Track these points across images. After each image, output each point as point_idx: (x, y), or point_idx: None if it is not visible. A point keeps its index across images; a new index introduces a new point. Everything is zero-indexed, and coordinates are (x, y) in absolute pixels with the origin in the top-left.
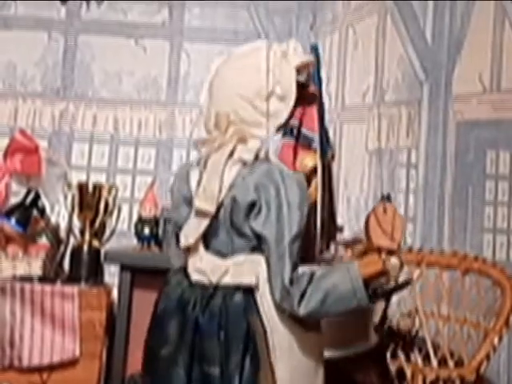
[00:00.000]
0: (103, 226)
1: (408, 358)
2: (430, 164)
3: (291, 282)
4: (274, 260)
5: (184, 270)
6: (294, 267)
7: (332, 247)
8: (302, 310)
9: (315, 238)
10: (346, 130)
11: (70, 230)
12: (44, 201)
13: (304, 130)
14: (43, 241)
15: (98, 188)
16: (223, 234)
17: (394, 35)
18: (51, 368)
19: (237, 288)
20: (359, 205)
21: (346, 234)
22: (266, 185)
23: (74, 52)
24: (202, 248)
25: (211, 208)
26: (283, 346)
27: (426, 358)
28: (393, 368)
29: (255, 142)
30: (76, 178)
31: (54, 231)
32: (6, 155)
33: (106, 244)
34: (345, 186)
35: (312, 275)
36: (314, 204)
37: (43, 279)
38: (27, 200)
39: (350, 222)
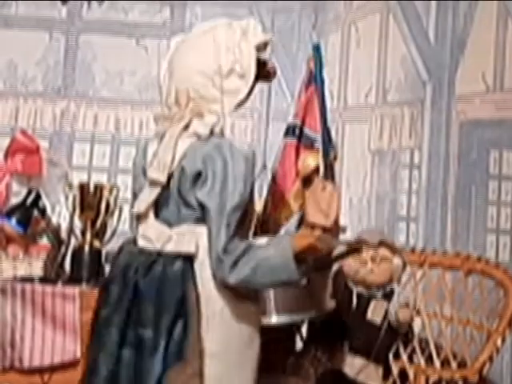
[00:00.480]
0: (104, 226)
1: (411, 359)
2: (433, 164)
3: (225, 250)
4: (213, 229)
5: (135, 238)
6: (231, 237)
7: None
8: (232, 279)
9: None
10: (348, 129)
11: (71, 230)
12: (45, 201)
13: (306, 130)
14: (44, 241)
15: (99, 188)
16: (172, 203)
17: (397, 35)
18: (52, 369)
19: (177, 256)
20: (361, 205)
21: (348, 235)
22: (213, 157)
23: (75, 52)
24: (152, 216)
25: (162, 177)
26: (216, 315)
27: (429, 359)
28: (395, 368)
29: (211, 117)
30: (77, 178)
31: (55, 232)
32: (6, 155)
33: (108, 244)
34: (347, 187)
35: (248, 246)
36: None
37: (44, 280)
38: (28, 200)
39: (352, 222)
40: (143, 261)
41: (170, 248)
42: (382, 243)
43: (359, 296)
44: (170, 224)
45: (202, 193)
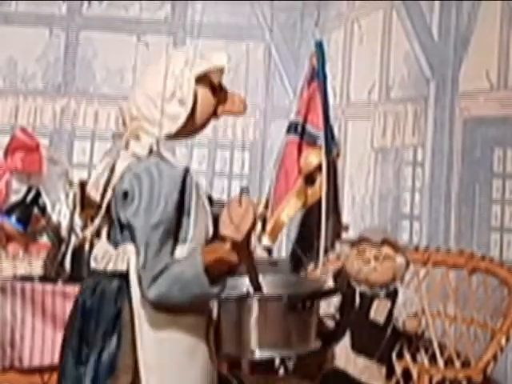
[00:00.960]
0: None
1: (414, 359)
2: (436, 162)
3: (144, 267)
4: (138, 247)
5: None
6: (153, 254)
7: (337, 246)
8: (151, 295)
9: (319, 236)
10: (351, 127)
11: (71, 228)
12: (45, 199)
13: (308, 127)
14: (44, 240)
15: None
16: (115, 224)
17: (400, 31)
18: (52, 369)
19: (114, 275)
20: (364, 203)
21: (351, 233)
22: (141, 177)
23: (75, 48)
24: (104, 238)
25: (97, 197)
26: (151, 330)
27: (433, 359)
28: (399, 368)
29: (148, 138)
30: (77, 175)
31: (55, 230)
32: (6, 153)
33: None
34: (350, 184)
35: (169, 263)
36: (319, 202)
37: (44, 279)
38: (28, 198)
39: (355, 220)
40: (91, 282)
41: (109, 267)
42: (384, 241)
43: (362, 295)
44: (116, 244)
45: (128, 212)
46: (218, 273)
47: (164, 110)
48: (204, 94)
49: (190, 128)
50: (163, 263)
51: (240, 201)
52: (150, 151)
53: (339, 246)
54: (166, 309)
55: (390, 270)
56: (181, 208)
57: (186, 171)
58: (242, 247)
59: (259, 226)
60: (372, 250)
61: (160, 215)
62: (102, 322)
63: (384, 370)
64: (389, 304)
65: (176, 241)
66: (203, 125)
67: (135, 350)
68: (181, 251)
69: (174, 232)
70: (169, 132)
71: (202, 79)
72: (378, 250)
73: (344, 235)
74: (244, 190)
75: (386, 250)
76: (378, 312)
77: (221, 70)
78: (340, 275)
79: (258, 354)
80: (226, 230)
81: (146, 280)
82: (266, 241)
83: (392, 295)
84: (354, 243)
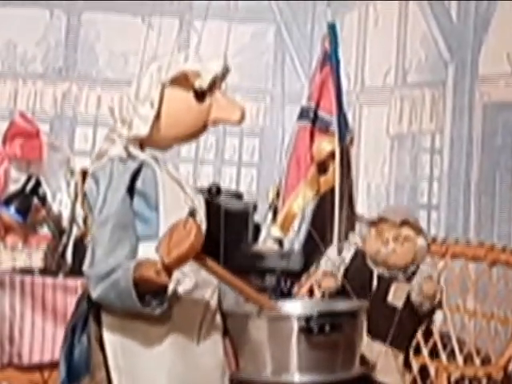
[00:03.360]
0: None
1: (432, 355)
2: (455, 149)
3: (91, 265)
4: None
5: None
6: (101, 252)
7: (357, 227)
8: (94, 295)
9: (332, 226)
10: (365, 112)
11: (72, 219)
12: (45, 188)
13: (321, 113)
14: (44, 231)
15: None
16: None
17: (417, 12)
18: (53, 366)
19: None
20: (380, 192)
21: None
22: (95, 175)
23: (77, 30)
24: None
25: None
26: (113, 334)
27: (451, 355)
28: (416, 365)
29: (122, 140)
30: (79, 163)
31: (56, 220)
32: (5, 140)
33: None
34: (365, 173)
35: (116, 266)
36: (332, 191)
37: (44, 272)
38: (27, 187)
39: (370, 210)
40: None
41: None
42: (404, 222)
43: (380, 277)
44: None
45: (88, 211)
46: (150, 287)
47: (138, 111)
48: (180, 97)
49: (168, 132)
50: (110, 266)
51: (186, 223)
52: (127, 152)
53: (357, 226)
54: (124, 311)
55: (409, 252)
56: (146, 203)
57: (141, 164)
58: (174, 269)
59: (269, 216)
60: (391, 231)
61: (107, 211)
62: (74, 316)
63: (401, 358)
64: (408, 287)
65: (146, 238)
66: (193, 130)
67: (103, 348)
68: (151, 248)
69: (132, 228)
70: (138, 133)
71: (181, 83)
72: (397, 230)
73: (361, 216)
74: (193, 213)
75: (406, 231)
76: (396, 296)
77: (208, 76)
78: (357, 256)
79: (298, 379)
80: (160, 248)
81: (91, 280)
82: (276, 232)
83: (411, 279)
84: (372, 223)
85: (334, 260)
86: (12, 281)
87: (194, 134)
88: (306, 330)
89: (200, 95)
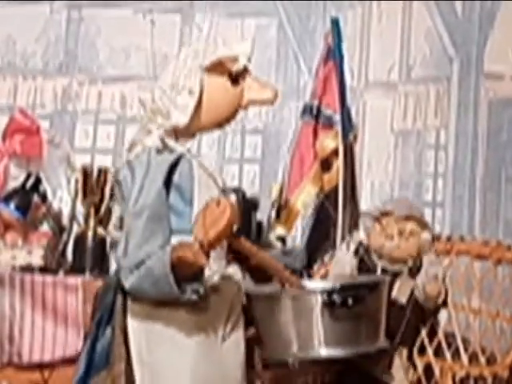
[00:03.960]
0: (109, 212)
1: (436, 354)
2: (461, 145)
3: (124, 255)
4: (122, 235)
5: None
6: (134, 242)
7: (361, 221)
8: (127, 285)
9: (335, 223)
10: (369, 108)
11: (73, 216)
12: (45, 185)
13: (324, 109)
14: (44, 228)
15: (103, 171)
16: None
17: (422, 7)
18: (53, 365)
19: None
20: (384, 190)
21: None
22: (131, 165)
23: (77, 25)
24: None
25: None
26: (139, 324)
27: (456, 354)
28: (420, 364)
29: (159, 131)
30: (80, 160)
31: (56, 218)
32: (4, 136)
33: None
34: (368, 170)
35: (149, 255)
36: (335, 188)
37: (44, 270)
38: (27, 184)
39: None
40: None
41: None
42: (409, 217)
43: (384, 272)
44: None
45: (120, 201)
46: (187, 272)
47: (175, 100)
48: (217, 83)
49: (208, 119)
50: (143, 255)
51: (218, 202)
52: (163, 144)
53: (361, 220)
54: (152, 302)
55: (414, 246)
56: (181, 196)
57: (179, 157)
58: (208, 250)
59: (272, 214)
60: (396, 226)
61: (143, 201)
62: (99, 310)
63: (405, 353)
64: (412, 283)
65: (179, 231)
66: (228, 115)
67: (127, 340)
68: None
69: (166, 220)
70: (177, 122)
71: (217, 69)
72: (402, 225)
73: (366, 209)
74: (225, 192)
75: (411, 225)
76: (400, 291)
77: (243, 59)
78: (360, 250)
79: (325, 352)
80: (195, 229)
81: (124, 270)
82: (279, 230)
83: (416, 274)
84: (376, 217)
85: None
86: (12, 279)
87: (228, 119)
88: (329, 303)
89: (234, 79)
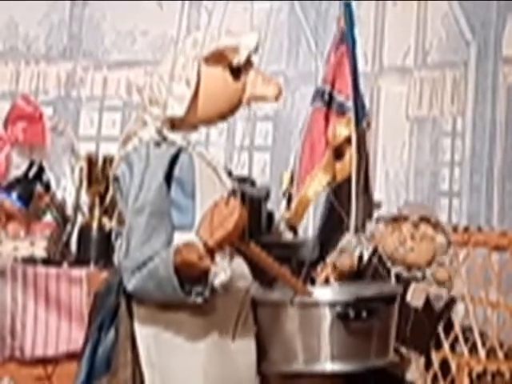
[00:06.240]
0: (114, 202)
1: (453, 349)
2: (478, 133)
3: (126, 255)
4: (123, 234)
5: None
6: (136, 241)
7: (371, 225)
8: (129, 287)
9: (348, 214)
10: (383, 95)
11: (77, 206)
12: (49, 174)
13: (336, 95)
14: (48, 218)
15: (108, 160)
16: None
17: None
18: (57, 360)
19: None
20: (398, 179)
21: (383, 211)
22: (129, 159)
23: (82, 8)
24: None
25: None
26: (146, 328)
27: (473, 349)
28: (436, 359)
29: (156, 122)
30: (84, 148)
31: (60, 208)
32: (6, 123)
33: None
34: (383, 158)
35: (153, 255)
36: (348, 178)
37: (48, 261)
38: (30, 173)
39: (388, 198)
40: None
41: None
42: (423, 219)
43: (397, 277)
44: None
45: (119, 197)
46: (191, 273)
47: (172, 90)
48: (216, 74)
49: (206, 112)
50: (146, 255)
51: (227, 202)
52: (161, 136)
53: (373, 224)
54: (159, 304)
55: (429, 250)
56: (182, 190)
57: (179, 150)
58: (216, 251)
59: (284, 203)
60: (408, 229)
61: (143, 198)
62: (100, 314)
63: (422, 361)
64: (427, 287)
65: (181, 227)
66: (228, 109)
67: (134, 346)
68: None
69: (168, 216)
70: (173, 114)
71: (217, 60)
72: (414, 228)
73: (377, 213)
74: (234, 192)
75: (425, 228)
76: (414, 296)
77: (245, 52)
78: (374, 255)
79: (330, 367)
80: (200, 229)
81: (126, 271)
82: (291, 220)
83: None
84: (389, 220)
85: (350, 240)
86: (14, 271)
87: (228, 114)
88: (343, 316)
89: (236, 72)
